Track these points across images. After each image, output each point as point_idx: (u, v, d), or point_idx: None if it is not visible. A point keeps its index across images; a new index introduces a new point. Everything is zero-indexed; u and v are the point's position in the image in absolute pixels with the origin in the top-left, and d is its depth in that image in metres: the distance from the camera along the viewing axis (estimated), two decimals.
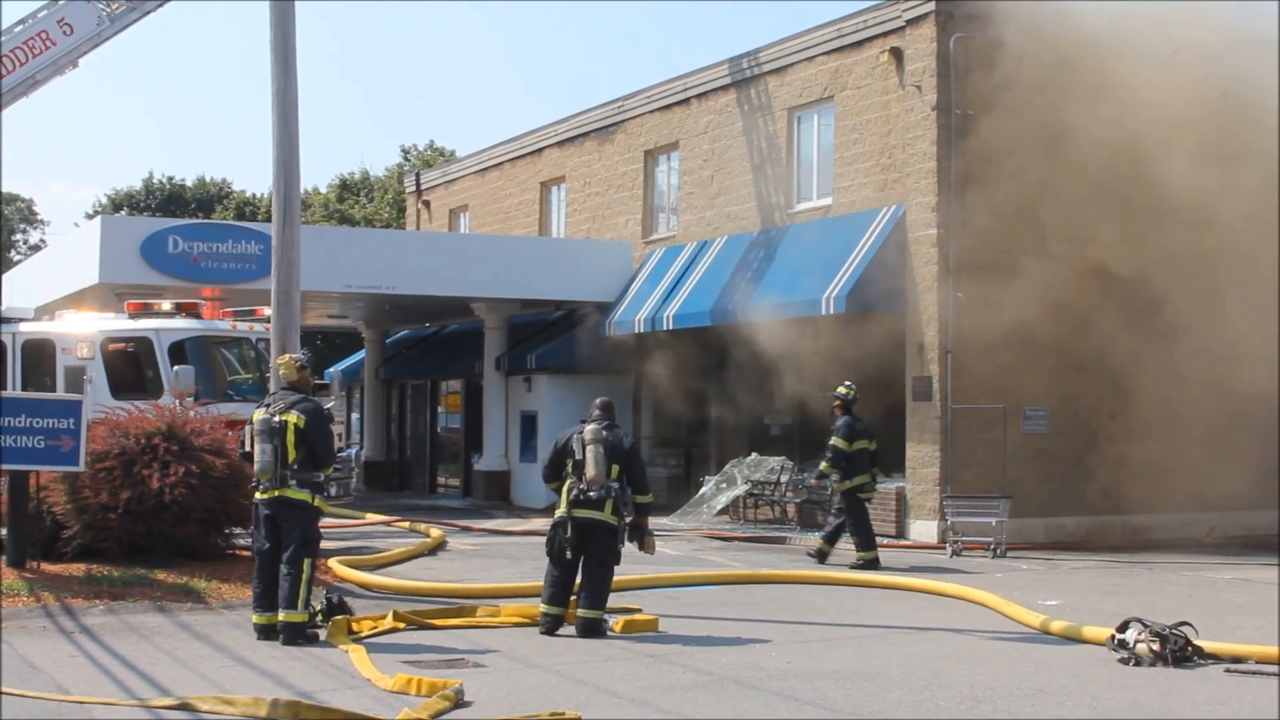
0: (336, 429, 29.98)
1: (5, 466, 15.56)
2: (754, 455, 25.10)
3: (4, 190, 70.80)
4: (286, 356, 13.48)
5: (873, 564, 19.05)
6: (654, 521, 14.40)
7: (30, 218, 74.26)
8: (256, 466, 12.60)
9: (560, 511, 13.25)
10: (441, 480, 34.74)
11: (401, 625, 13.25)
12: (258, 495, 12.68)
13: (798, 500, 23.93)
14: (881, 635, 13.47)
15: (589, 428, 13.29)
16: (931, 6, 22.58)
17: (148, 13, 20.06)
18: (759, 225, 26.54)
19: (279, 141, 16.64)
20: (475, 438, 32.10)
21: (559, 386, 29.21)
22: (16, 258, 66.17)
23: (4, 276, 33.10)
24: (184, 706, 9.60)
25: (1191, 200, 20.81)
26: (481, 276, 28.61)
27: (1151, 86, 20.71)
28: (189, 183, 65.57)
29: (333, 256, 26.57)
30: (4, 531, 16.00)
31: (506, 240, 32.09)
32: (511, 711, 9.60)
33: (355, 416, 40.74)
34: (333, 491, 20.53)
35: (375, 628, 13.02)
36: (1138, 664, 11.60)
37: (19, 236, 73.07)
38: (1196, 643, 11.77)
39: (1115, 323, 22.50)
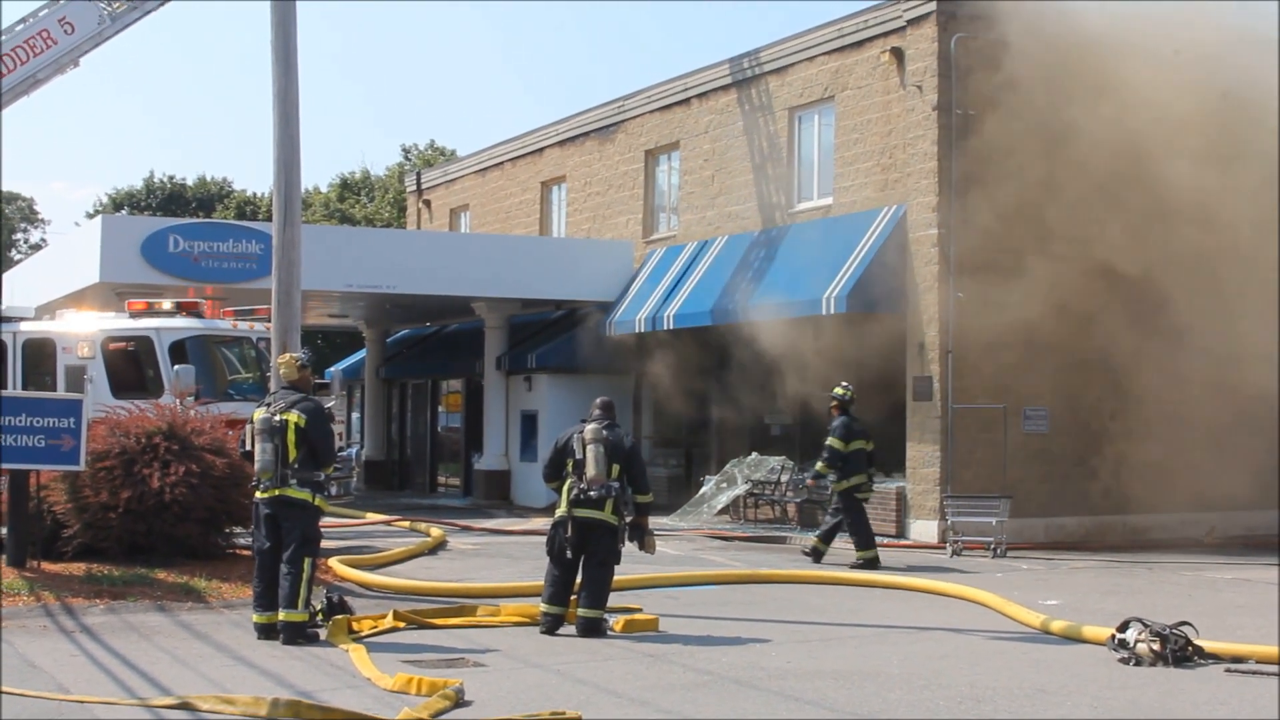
0: (337, 428, 29.97)
1: (6, 465, 15.56)
2: (754, 455, 25.10)
3: (5, 189, 70.88)
4: (287, 356, 13.49)
5: (873, 563, 19.05)
6: (654, 521, 14.40)
7: (31, 217, 74.29)
8: (257, 465, 12.60)
9: (561, 511, 13.25)
10: (442, 480, 34.74)
11: (402, 625, 13.25)
12: (258, 494, 12.68)
13: (798, 500, 23.93)
14: (882, 635, 13.47)
15: (589, 427, 13.30)
16: (932, 6, 22.58)
17: (149, 12, 20.06)
18: (760, 225, 26.55)
19: (280, 141, 16.64)
20: (476, 437, 32.11)
21: (559, 386, 29.21)
22: (17, 257, 66.20)
23: (5, 276, 33.09)
24: (184, 706, 9.60)
25: (1193, 200, 20.82)
26: (482, 276, 28.61)
27: (1152, 86, 20.72)
28: (190, 182, 65.59)
29: (333, 256, 26.58)
30: (4, 530, 16.00)
31: (507, 240, 32.09)
32: (512, 711, 9.60)
33: (356, 416, 40.74)
34: (333, 491, 20.51)
35: (375, 627, 13.02)
36: (1138, 664, 11.61)
37: (20, 235, 73.09)
38: (1197, 643, 11.77)
39: (1116, 323, 22.51)
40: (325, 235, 30.64)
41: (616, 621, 13.18)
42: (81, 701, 9.81)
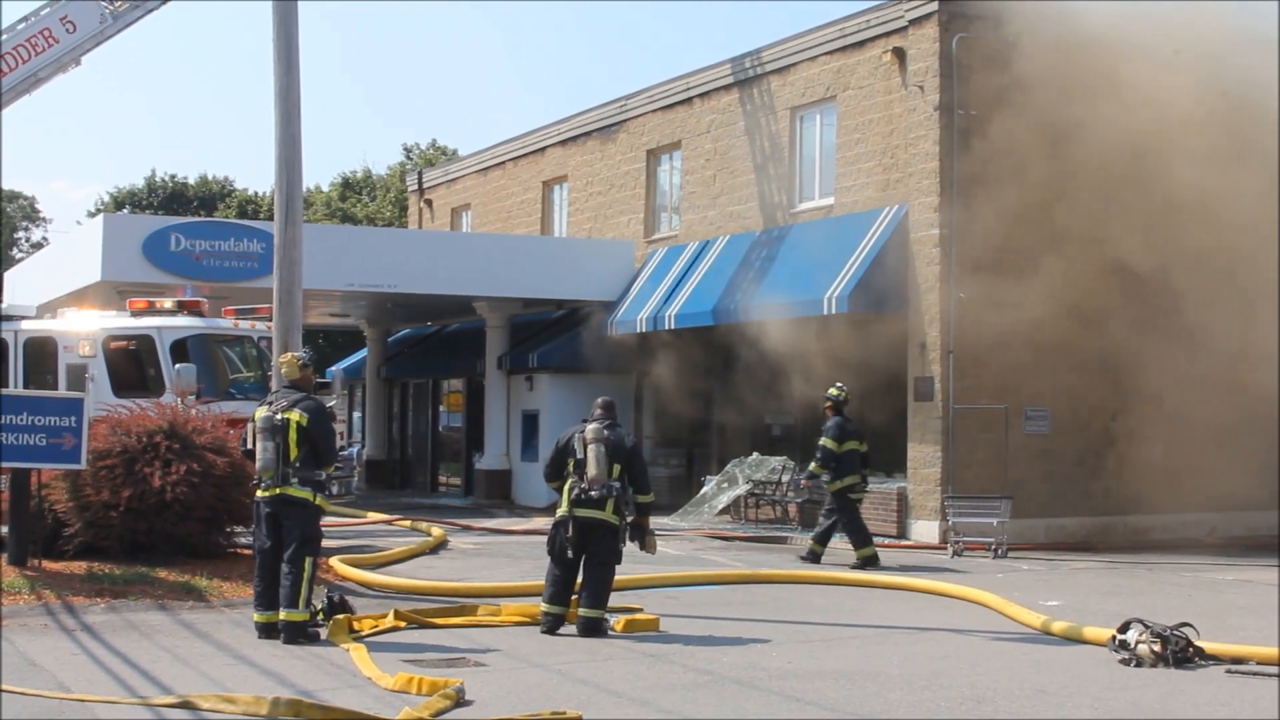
0: (338, 427, 29.97)
1: (7, 464, 15.57)
2: (755, 455, 25.10)
3: (6, 188, 70.90)
4: (289, 355, 13.49)
5: (872, 560, 19.08)
6: (655, 521, 14.40)
7: (32, 215, 74.33)
8: (258, 464, 12.60)
9: (562, 511, 13.25)
10: (443, 479, 34.74)
11: (403, 624, 13.26)
12: (259, 493, 12.68)
13: (799, 500, 23.93)
14: (882, 635, 13.47)
15: (590, 427, 13.30)
16: (934, 6, 22.58)
17: (150, 10, 20.05)
18: (761, 225, 26.55)
19: (281, 140, 16.63)
20: (477, 437, 32.10)
21: (561, 386, 29.21)
22: (19, 256, 66.22)
23: (6, 274, 33.13)
24: (185, 705, 9.60)
25: (1195, 200, 20.81)
26: (483, 275, 28.60)
27: (1153, 86, 20.72)
28: (191, 181, 65.62)
29: (335, 255, 26.58)
30: (5, 529, 16.01)
31: (508, 239, 32.09)
32: (513, 710, 9.60)
33: (357, 415, 40.73)
34: (334, 490, 20.49)
35: (376, 626, 13.02)
36: (1139, 665, 11.61)
37: (21, 234, 73.12)
38: (1198, 644, 11.77)
39: (1118, 323, 22.52)
40: (327, 234, 30.65)
41: (617, 621, 13.18)
42: (82, 700, 9.81)
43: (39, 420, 15.46)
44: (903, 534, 22.59)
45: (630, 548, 13.54)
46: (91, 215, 61.68)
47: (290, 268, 16.56)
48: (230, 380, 21.55)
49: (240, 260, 25.66)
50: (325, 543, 14.63)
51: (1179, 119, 20.67)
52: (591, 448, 13.14)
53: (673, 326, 26.87)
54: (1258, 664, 11.51)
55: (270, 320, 17.88)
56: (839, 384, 20.18)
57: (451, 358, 33.96)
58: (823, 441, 19.62)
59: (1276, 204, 20.84)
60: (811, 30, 25.62)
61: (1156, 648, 11.64)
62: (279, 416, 12.63)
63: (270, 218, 19.34)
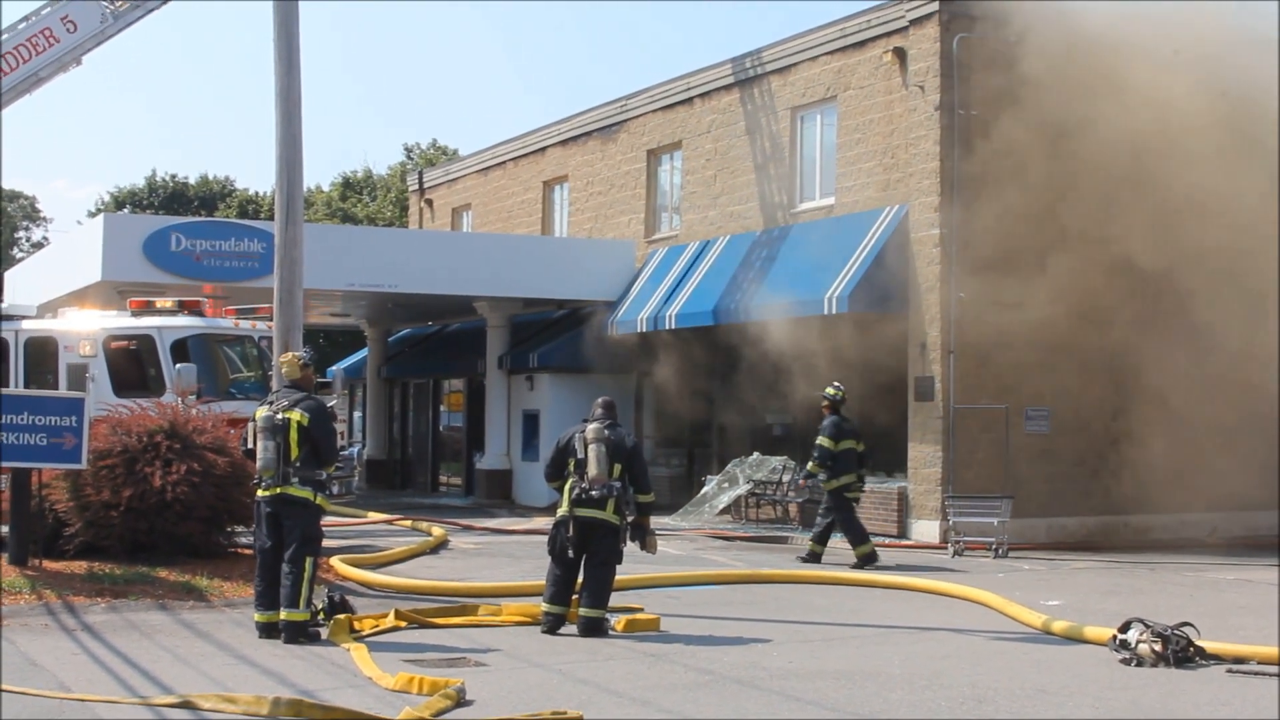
0: (339, 427, 29.99)
1: (7, 464, 15.56)
2: (756, 455, 25.10)
3: (7, 187, 70.91)
4: (289, 354, 13.50)
5: (870, 558, 19.11)
6: (656, 521, 14.41)
7: (33, 215, 74.35)
8: (259, 464, 12.61)
9: (562, 510, 13.25)
10: (443, 479, 34.74)
11: (403, 624, 13.26)
12: (260, 493, 12.68)
13: (800, 500, 23.92)
14: (883, 635, 13.47)
15: (591, 427, 13.30)
16: (935, 6, 22.58)
17: (151, 10, 20.06)
18: (762, 225, 26.55)
19: (282, 140, 16.63)
20: (477, 436, 32.11)
21: (561, 385, 29.21)
22: (19, 255, 66.24)
23: (6, 274, 33.14)
24: (186, 705, 9.60)
25: (1196, 199, 20.81)
26: (484, 275, 28.60)
27: (1153, 86, 20.71)
28: (192, 180, 65.65)
29: (335, 255, 26.58)
30: (6, 529, 16.01)
31: (509, 239, 32.09)
32: (513, 710, 9.60)
33: (357, 415, 40.74)
34: (335, 490, 20.50)
35: (377, 626, 13.02)
36: (1139, 664, 11.60)
37: (21, 234, 73.13)
38: (1198, 643, 11.77)
39: (1119, 323, 22.53)
40: (327, 234, 30.65)
41: (618, 621, 13.17)
42: (83, 700, 9.81)
43: (40, 420, 15.45)
44: (903, 534, 22.59)
45: (631, 547, 13.54)
46: (92, 215, 61.70)
47: (291, 267, 16.56)
48: (231, 380, 21.56)
49: (241, 260, 25.66)
50: (326, 542, 14.63)
51: (1179, 119, 20.67)
52: (592, 447, 13.15)
53: (673, 326, 26.87)
54: (1259, 664, 11.50)
55: (271, 320, 17.88)
56: (836, 383, 20.21)
57: (452, 357, 33.96)
58: (819, 440, 19.66)
59: (1277, 204, 20.84)
60: (812, 30, 25.63)
61: (1157, 647, 11.64)
62: (280, 416, 12.63)
63: (271, 217, 19.35)
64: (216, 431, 17.08)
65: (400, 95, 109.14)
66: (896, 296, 22.88)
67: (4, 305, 21.71)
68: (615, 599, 13.46)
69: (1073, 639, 12.92)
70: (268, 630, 12.48)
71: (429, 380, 35.56)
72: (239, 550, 17.43)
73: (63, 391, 19.49)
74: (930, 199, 22.50)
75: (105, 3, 19.54)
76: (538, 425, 29.49)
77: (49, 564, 15.70)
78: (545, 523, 16.76)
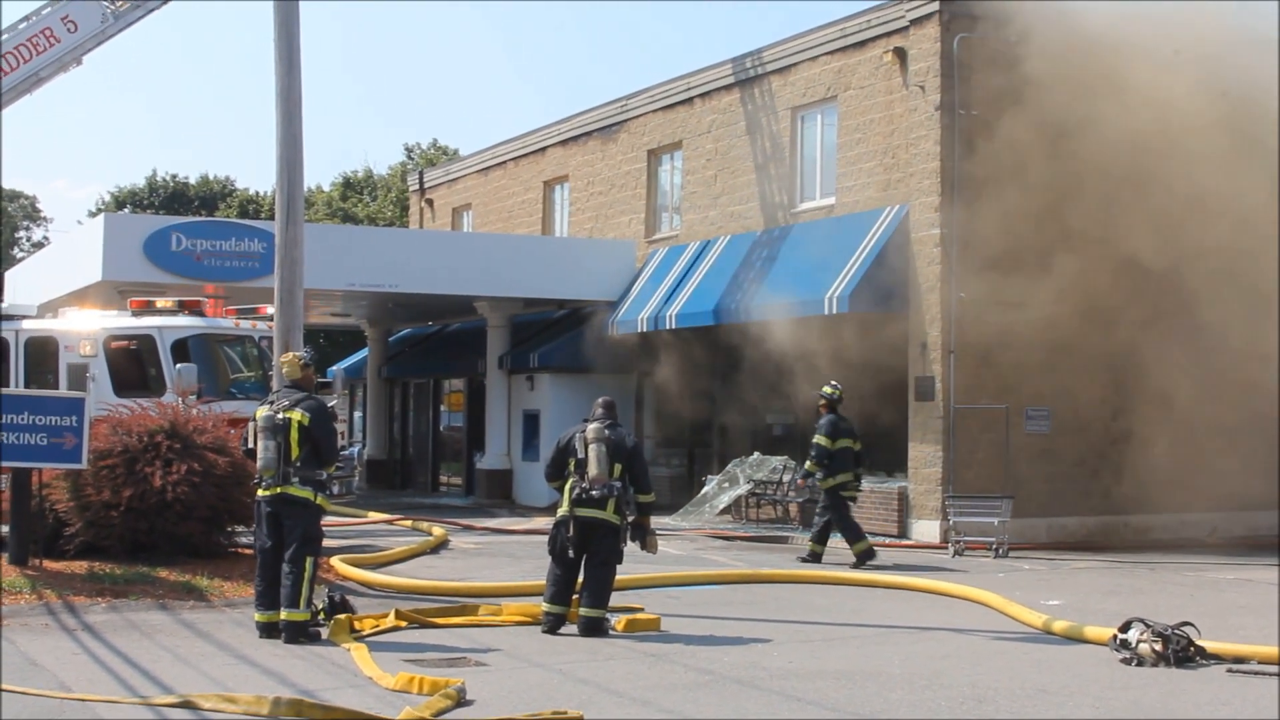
0: (339, 427, 29.99)
1: (8, 464, 15.56)
2: (756, 455, 25.09)
3: (7, 187, 70.93)
4: (290, 354, 13.50)
5: (868, 554, 19.18)
6: (656, 521, 14.41)
7: (33, 215, 74.36)
8: (260, 463, 12.61)
9: (563, 510, 13.25)
10: (444, 479, 34.74)
11: (404, 624, 13.26)
12: (260, 492, 12.68)
13: (800, 500, 23.92)
14: (883, 635, 13.47)
15: (591, 426, 13.30)
16: (935, 6, 22.58)
17: (151, 10, 20.07)
18: (762, 225, 26.54)
19: (282, 140, 16.63)
20: (478, 436, 32.11)
21: (562, 385, 29.20)
22: (20, 255, 66.26)
23: (7, 274, 33.15)
24: (186, 704, 9.60)
25: (1197, 199, 20.82)
26: (484, 275, 28.60)
27: (1154, 86, 20.71)
28: (192, 180, 65.67)
29: (336, 255, 26.58)
30: (6, 529, 16.00)
31: (509, 239, 32.09)
32: (514, 710, 9.60)
33: (358, 415, 40.74)
34: (335, 490, 20.50)
35: (377, 626, 13.02)
36: (1140, 664, 11.60)
37: (22, 234, 73.15)
38: (1199, 643, 11.77)
39: (1119, 323, 22.52)
40: (328, 234, 30.66)
41: (618, 621, 13.17)
42: (83, 700, 9.81)
43: (40, 420, 15.45)
44: (904, 533, 22.59)
45: (631, 547, 13.55)
46: (92, 215, 61.71)
47: (291, 267, 16.56)
48: (231, 380, 21.56)
49: (241, 260, 25.66)
50: (326, 542, 14.63)
51: (1180, 119, 20.67)
52: (593, 447, 13.15)
53: (674, 326, 26.87)
54: (1259, 663, 11.51)
55: (271, 320, 17.89)
56: (833, 382, 20.24)
57: (453, 357, 33.96)
58: (816, 438, 19.70)
59: (1277, 204, 20.84)
60: (812, 30, 25.63)
61: (1158, 647, 11.64)
62: (280, 416, 12.63)
63: (271, 217, 19.34)
64: (217, 431, 17.08)
65: (400, 95, 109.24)
66: (897, 296, 22.88)
67: (4, 305, 21.71)
68: (615, 599, 13.46)
69: (1073, 639, 12.92)
70: (268, 630, 12.48)
71: (429, 380, 35.56)
72: (239, 550, 17.43)
73: (63, 391, 19.49)
74: (931, 199, 22.50)
75: (106, 3, 19.54)
76: (538, 425, 29.49)
77: (49, 564, 15.70)
78: (545, 523, 16.76)
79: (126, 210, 61.30)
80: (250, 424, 12.93)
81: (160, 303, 21.76)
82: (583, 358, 29.10)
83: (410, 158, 63.86)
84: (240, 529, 17.32)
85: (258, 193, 64.46)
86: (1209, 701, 10.41)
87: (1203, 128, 20.72)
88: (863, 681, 10.94)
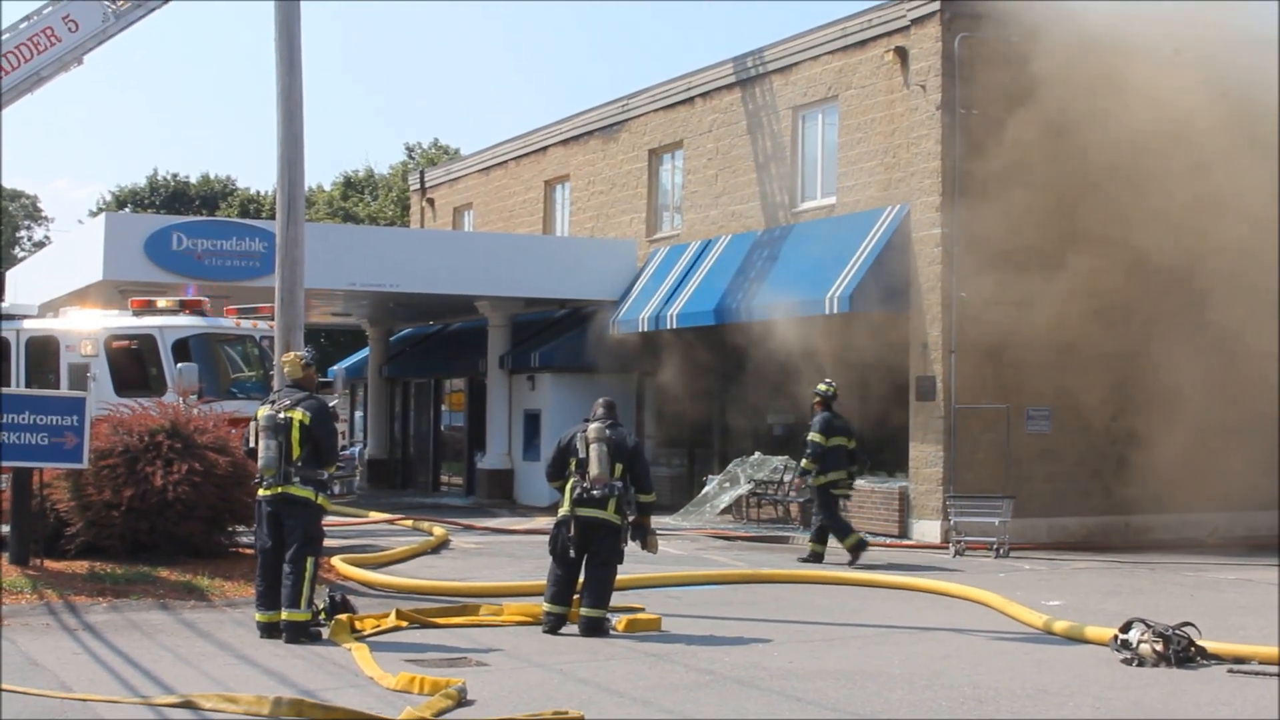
0: (340, 427, 29.99)
1: (8, 463, 15.56)
2: (757, 454, 25.09)
3: (8, 187, 70.95)
4: (292, 354, 13.51)
5: (860, 546, 19.29)
6: (657, 520, 14.41)
7: (34, 214, 74.39)
8: (261, 462, 12.61)
9: (563, 510, 13.26)
10: (445, 479, 34.74)
11: (404, 624, 13.26)
12: (261, 492, 12.69)
13: (801, 500, 23.89)
14: (884, 635, 13.47)
15: (592, 426, 13.30)
16: (936, 6, 22.57)
17: (152, 10, 20.08)
18: (763, 224, 26.54)
19: (283, 139, 16.63)
20: (478, 436, 32.11)
21: (563, 385, 29.20)
22: (20, 255, 66.29)
23: (8, 273, 33.12)
24: (187, 704, 9.60)
25: (1198, 199, 20.82)
26: (485, 275, 28.59)
27: (1154, 86, 20.71)
28: (193, 180, 65.66)
29: (337, 254, 26.58)
30: (7, 528, 16.01)
31: (510, 239, 32.09)
32: (514, 710, 9.60)
33: (359, 414, 40.74)
34: (336, 489, 20.53)
35: (378, 626, 13.03)
36: (1141, 664, 11.60)
37: (23, 233, 73.18)
38: (1199, 643, 11.77)
39: (1120, 322, 22.51)
40: (329, 234, 30.65)
41: (619, 621, 13.17)
42: (84, 700, 9.81)
43: (41, 419, 15.45)
44: (904, 533, 22.59)
45: (632, 547, 13.55)
46: (93, 214, 61.71)
47: (292, 267, 16.57)
48: (232, 380, 21.56)
49: (242, 259, 25.66)
50: (327, 542, 14.64)
51: (1180, 118, 20.67)
52: (594, 447, 13.15)
53: (675, 326, 26.87)
54: (1259, 664, 11.50)
55: (272, 319, 17.90)
56: (827, 379, 20.26)
57: (453, 357, 33.97)
58: (810, 435, 19.72)
59: (1277, 203, 20.84)
60: (813, 30, 25.62)
61: (1158, 647, 11.64)
62: (282, 415, 12.64)
63: (272, 217, 19.34)
64: (218, 431, 17.08)
65: (401, 95, 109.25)
66: (898, 296, 22.87)
67: (5, 305, 21.70)
68: (616, 599, 13.47)
69: (1074, 639, 12.92)
70: (269, 630, 12.48)
71: (430, 380, 35.56)
72: (240, 550, 17.43)
73: (64, 391, 19.50)
74: (932, 198, 22.50)
75: (107, 2, 19.56)
76: (539, 425, 29.49)
77: (50, 563, 15.70)
78: (546, 523, 16.76)
79: (127, 210, 61.30)
80: (251, 424, 12.94)
81: (161, 302, 21.77)
82: (584, 357, 29.10)
83: (411, 157, 63.86)
84: (241, 529, 17.32)
85: (259, 192, 64.47)
86: (1210, 702, 10.41)
87: (1203, 127, 20.71)
88: (863, 681, 10.95)
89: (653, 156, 30.30)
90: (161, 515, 16.23)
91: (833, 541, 19.68)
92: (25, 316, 21.83)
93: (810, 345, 22.95)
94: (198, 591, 14.86)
